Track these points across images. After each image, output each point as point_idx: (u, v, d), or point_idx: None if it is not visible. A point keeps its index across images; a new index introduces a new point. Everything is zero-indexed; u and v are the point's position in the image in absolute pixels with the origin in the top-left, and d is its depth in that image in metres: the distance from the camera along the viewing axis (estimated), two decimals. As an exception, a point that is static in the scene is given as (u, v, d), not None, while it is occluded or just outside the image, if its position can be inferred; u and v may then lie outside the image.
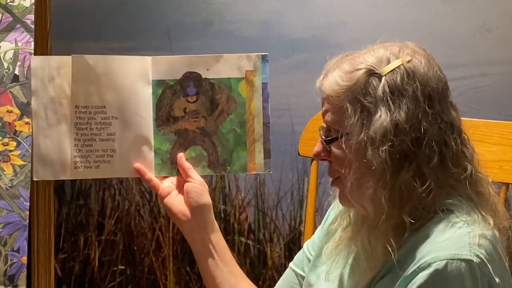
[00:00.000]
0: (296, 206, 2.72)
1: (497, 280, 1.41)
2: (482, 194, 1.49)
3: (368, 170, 1.44)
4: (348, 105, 1.45)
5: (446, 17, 2.57)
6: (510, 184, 1.80)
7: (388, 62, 1.45)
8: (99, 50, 2.67)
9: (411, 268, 1.40)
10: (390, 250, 1.42)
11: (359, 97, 1.45)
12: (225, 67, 1.69)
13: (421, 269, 1.39)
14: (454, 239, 1.41)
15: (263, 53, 1.70)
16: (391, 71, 1.44)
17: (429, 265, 1.38)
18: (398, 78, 1.44)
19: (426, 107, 1.44)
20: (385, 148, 1.42)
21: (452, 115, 1.47)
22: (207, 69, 1.69)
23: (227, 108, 1.70)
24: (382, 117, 1.43)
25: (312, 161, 1.98)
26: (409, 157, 1.43)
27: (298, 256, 1.74)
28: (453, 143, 1.45)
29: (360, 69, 1.46)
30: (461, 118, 1.50)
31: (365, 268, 1.48)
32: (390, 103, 1.43)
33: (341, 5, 2.62)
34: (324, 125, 1.52)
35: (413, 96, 1.43)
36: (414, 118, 1.43)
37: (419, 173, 1.43)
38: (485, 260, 1.40)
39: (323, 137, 1.51)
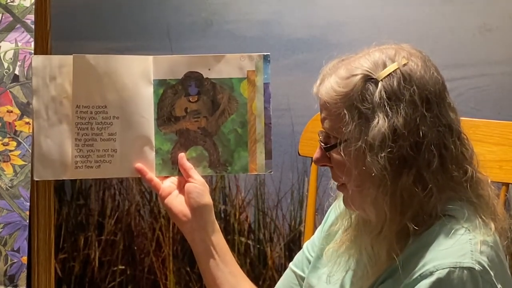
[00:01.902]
0: (296, 206, 2.72)
1: (499, 286, 1.40)
2: (482, 197, 1.48)
3: (368, 177, 1.43)
4: (345, 111, 1.44)
5: (446, 17, 2.57)
6: (510, 184, 1.80)
7: (384, 66, 1.44)
8: (99, 50, 2.67)
9: (413, 275, 1.40)
10: (395, 256, 1.41)
11: (356, 103, 1.44)
12: (226, 67, 1.69)
13: (423, 277, 1.38)
14: (456, 246, 1.40)
15: (265, 53, 1.70)
16: (387, 75, 1.43)
17: (431, 273, 1.38)
18: (395, 83, 1.43)
19: (424, 111, 1.42)
20: (384, 154, 1.41)
21: (451, 117, 1.46)
22: (209, 69, 1.69)
23: (229, 108, 1.70)
24: (380, 123, 1.41)
25: (312, 161, 1.98)
26: (408, 162, 1.42)
27: (298, 257, 1.73)
28: (452, 146, 1.44)
29: (356, 74, 1.44)
30: (461, 118, 1.49)
31: (368, 273, 1.47)
32: (388, 108, 1.42)
33: (341, 5, 2.62)
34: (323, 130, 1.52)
35: (411, 100, 1.42)
36: (412, 122, 1.42)
37: (420, 177, 1.42)
38: (487, 267, 1.39)
39: (322, 143, 1.51)
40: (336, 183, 1.54)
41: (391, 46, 1.48)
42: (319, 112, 1.51)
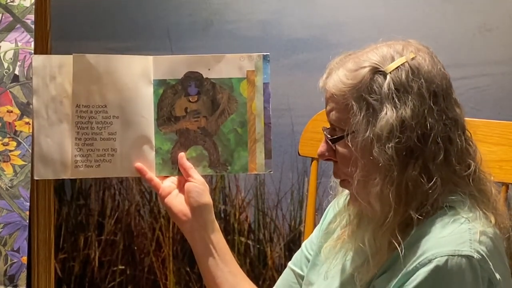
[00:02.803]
0: (296, 206, 2.72)
1: (498, 276, 1.41)
2: (484, 192, 1.49)
3: (374, 167, 1.44)
4: (353, 103, 1.46)
5: (446, 17, 2.57)
6: (510, 184, 1.80)
7: (392, 59, 1.46)
8: (99, 50, 2.67)
9: (412, 264, 1.41)
10: (397, 246, 1.42)
11: (364, 95, 1.45)
12: (226, 67, 1.69)
13: (422, 265, 1.39)
14: (455, 235, 1.41)
15: (265, 53, 1.70)
16: (395, 68, 1.45)
17: (430, 261, 1.39)
18: (403, 75, 1.44)
19: (431, 104, 1.44)
20: (392, 145, 1.43)
21: (456, 111, 1.48)
22: (209, 69, 1.69)
23: (228, 108, 1.70)
24: (388, 114, 1.43)
25: (312, 161, 1.98)
26: (415, 153, 1.44)
27: (297, 256, 1.74)
28: (457, 140, 1.46)
29: (364, 67, 1.46)
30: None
31: (370, 265, 1.48)
32: (396, 100, 1.43)
33: (341, 5, 2.62)
34: (328, 125, 1.52)
35: (419, 93, 1.44)
36: (420, 114, 1.43)
37: (425, 169, 1.44)
38: (485, 256, 1.40)
39: (328, 136, 1.51)
40: (336, 181, 1.55)
41: (399, 41, 1.50)
42: (318, 112, 1.52)
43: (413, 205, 1.44)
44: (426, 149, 1.44)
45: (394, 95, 1.44)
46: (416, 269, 1.40)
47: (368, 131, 1.44)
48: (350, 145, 1.46)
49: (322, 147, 1.53)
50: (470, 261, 1.38)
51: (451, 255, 1.38)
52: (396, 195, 1.44)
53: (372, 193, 1.46)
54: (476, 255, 1.39)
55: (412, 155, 1.43)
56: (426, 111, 1.44)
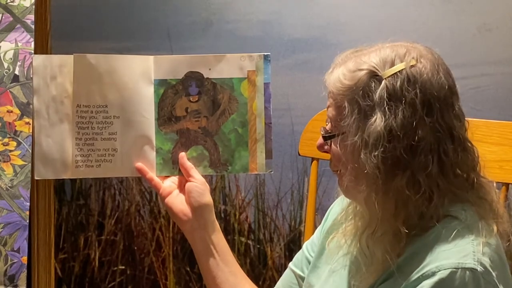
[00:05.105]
0: (296, 206, 2.72)
1: (501, 287, 1.40)
2: (485, 200, 1.47)
3: (361, 173, 1.43)
4: (346, 104, 1.45)
5: (446, 17, 2.57)
6: (510, 184, 1.80)
7: (392, 64, 1.43)
8: (99, 50, 2.67)
9: (414, 275, 1.40)
10: (389, 259, 1.41)
11: (357, 98, 1.44)
12: (227, 67, 1.69)
13: (425, 277, 1.38)
14: (458, 247, 1.40)
15: (265, 53, 1.70)
16: (392, 74, 1.43)
17: (433, 274, 1.38)
18: (398, 83, 1.42)
19: (424, 115, 1.41)
20: (378, 154, 1.41)
21: (454, 123, 1.44)
22: (209, 69, 1.70)
23: (229, 108, 1.70)
24: (377, 122, 1.41)
25: (312, 161, 1.98)
26: (402, 164, 1.41)
27: (298, 257, 1.74)
28: (451, 153, 1.43)
29: (362, 69, 1.44)
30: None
31: (365, 273, 1.47)
32: (386, 108, 1.41)
33: (341, 5, 2.62)
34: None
35: (411, 103, 1.41)
36: (409, 125, 1.41)
37: (413, 181, 1.42)
38: (489, 268, 1.39)
39: (323, 132, 1.51)
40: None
41: (404, 44, 1.47)
42: (318, 112, 1.52)
43: (401, 215, 1.42)
44: (414, 161, 1.41)
45: (386, 103, 1.41)
46: (419, 281, 1.39)
47: (356, 136, 1.43)
48: (338, 147, 1.46)
49: (320, 139, 1.52)
50: (473, 274, 1.37)
51: (455, 268, 1.37)
52: (383, 203, 1.42)
53: (360, 198, 1.45)
54: (479, 268, 1.38)
55: (398, 165, 1.41)
56: (416, 122, 1.40)
